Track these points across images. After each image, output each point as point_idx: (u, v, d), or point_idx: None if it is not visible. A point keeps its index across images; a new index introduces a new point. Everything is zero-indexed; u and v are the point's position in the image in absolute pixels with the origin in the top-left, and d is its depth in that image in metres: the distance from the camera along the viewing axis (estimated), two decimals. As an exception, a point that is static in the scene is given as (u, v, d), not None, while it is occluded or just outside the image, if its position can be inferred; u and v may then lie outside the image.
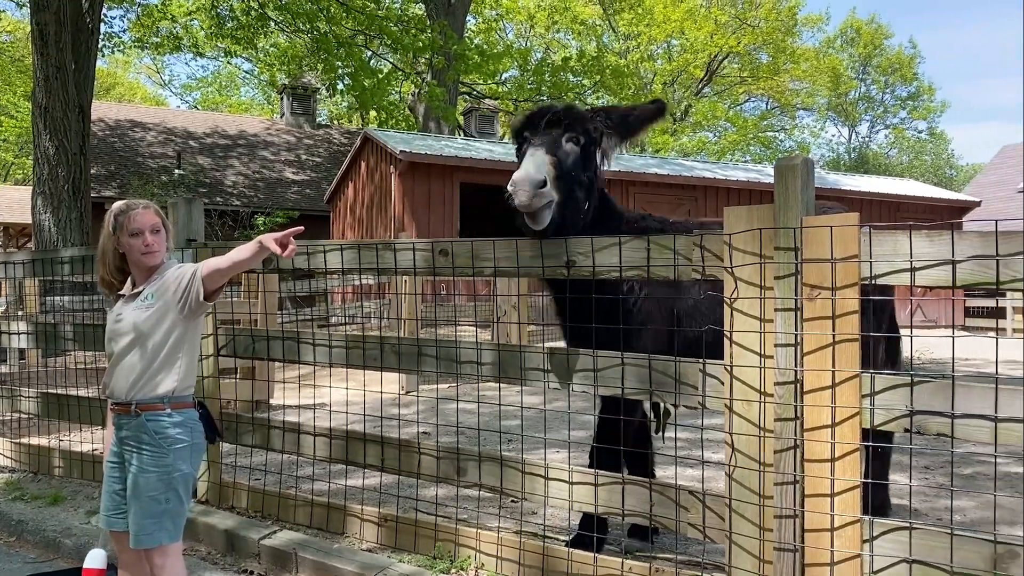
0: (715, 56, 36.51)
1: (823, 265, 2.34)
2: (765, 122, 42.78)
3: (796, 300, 2.39)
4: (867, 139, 50.16)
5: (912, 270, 2.23)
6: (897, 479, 4.71)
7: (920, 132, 49.16)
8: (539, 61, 29.56)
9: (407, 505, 3.85)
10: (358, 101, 21.91)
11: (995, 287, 2.10)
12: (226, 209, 20.01)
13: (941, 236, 2.18)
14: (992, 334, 17.56)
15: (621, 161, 18.36)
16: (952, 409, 2.17)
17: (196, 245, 4.22)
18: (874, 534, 2.31)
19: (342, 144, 26.21)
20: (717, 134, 41.70)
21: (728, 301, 2.55)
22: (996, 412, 2.11)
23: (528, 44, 35.65)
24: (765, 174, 18.50)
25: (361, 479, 4.02)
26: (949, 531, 2.20)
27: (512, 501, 3.99)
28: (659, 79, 36.89)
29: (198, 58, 30.21)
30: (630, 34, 35.82)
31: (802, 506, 2.39)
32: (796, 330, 2.38)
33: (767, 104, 43.36)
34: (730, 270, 2.54)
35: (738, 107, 41.94)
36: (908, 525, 2.27)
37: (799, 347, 2.38)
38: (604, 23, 36.72)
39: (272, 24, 20.60)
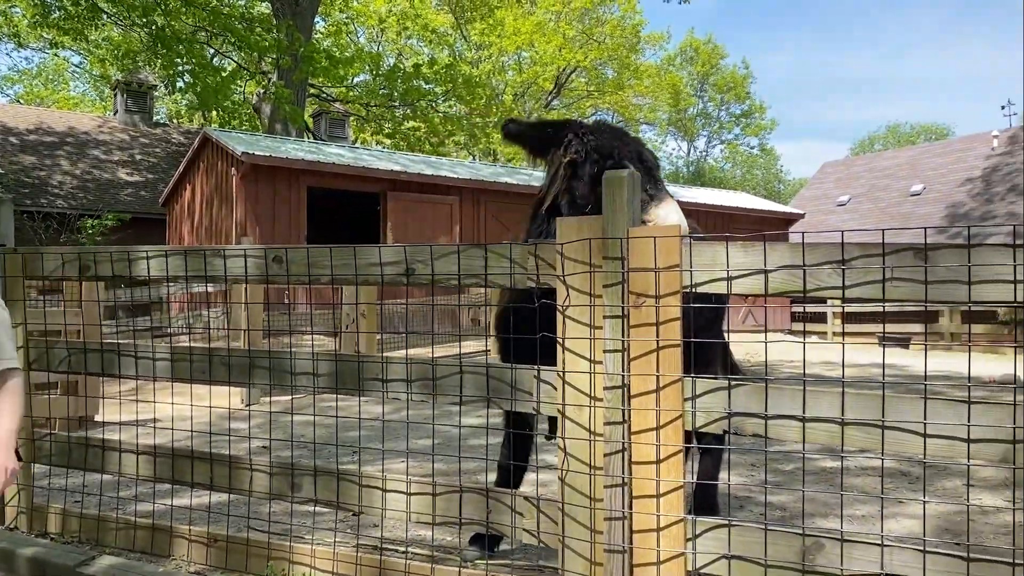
0: (563, 70, 37.47)
1: (648, 274, 2.42)
2: (611, 135, 44.24)
3: (623, 307, 2.46)
4: (704, 153, 52.97)
5: (728, 279, 2.34)
6: (723, 476, 4.95)
7: (752, 148, 52.48)
8: (391, 67, 29.33)
9: (240, 523, 3.68)
10: (199, 100, 20.96)
11: (803, 295, 2.24)
12: (51, 211, 18.63)
13: (754, 247, 2.31)
14: (815, 337, 18.91)
15: (472, 170, 18.51)
16: (765, 410, 2.29)
17: (5, 250, 3.88)
18: (697, 532, 2.41)
19: (181, 144, 24.99)
20: (566, 145, 42.71)
21: (561, 309, 2.59)
22: (804, 412, 2.25)
23: (380, 49, 35.32)
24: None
25: (189, 498, 3.82)
26: (763, 527, 2.33)
27: (353, 515, 3.90)
28: (510, 90, 37.48)
29: (20, 49, 28.00)
30: (482, 44, 36.20)
31: (630, 507, 2.46)
32: (623, 336, 2.45)
33: (612, 118, 44.91)
34: (562, 278, 2.59)
35: (585, 119, 43.21)
36: (727, 523, 2.38)
37: (626, 353, 2.45)
38: (456, 32, 36.94)
39: (104, 16, 19.37)
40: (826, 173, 32.36)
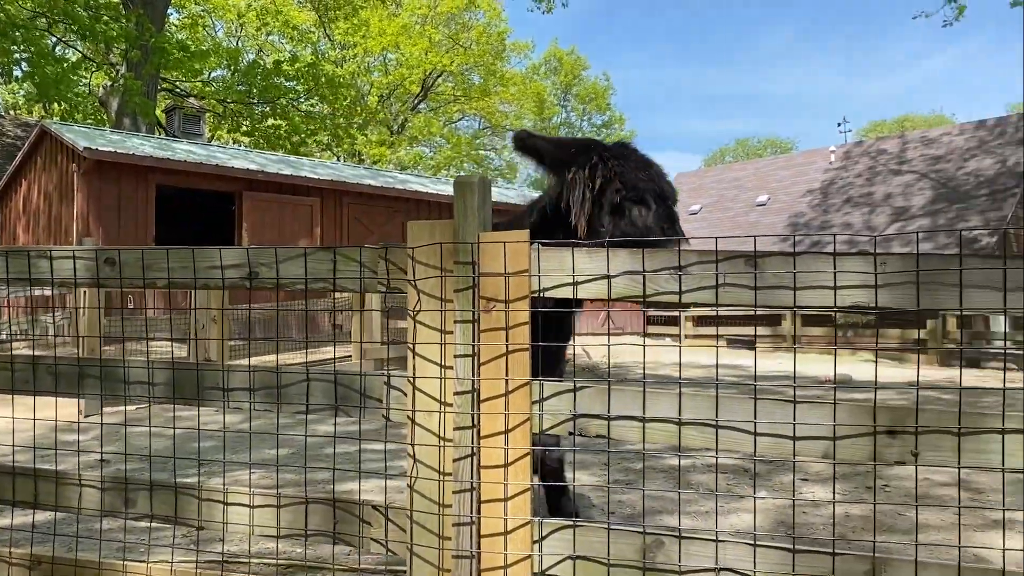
0: (430, 73, 37.40)
1: (498, 279, 2.43)
2: (478, 140, 44.61)
3: (474, 312, 2.46)
4: (568, 161, 54.07)
5: (575, 284, 2.38)
6: (579, 477, 5.06)
7: (613, 157, 53.95)
8: (250, 63, 28.37)
9: (69, 543, 3.44)
10: (38, 90, 19.57)
11: (643, 299, 2.30)
12: None
13: (599, 253, 2.36)
14: (669, 340, 19.66)
15: (333, 170, 18.15)
16: (608, 412, 2.35)
17: None
18: (543, 534, 2.43)
19: (17, 137, 23.24)
20: (433, 149, 42.76)
21: (412, 313, 2.56)
22: (644, 413, 2.31)
23: (239, 44, 34.12)
24: (474, 190, 19.26)
25: (11, 518, 3.53)
26: (606, 526, 2.38)
27: (195, 530, 3.72)
28: (376, 91, 37.06)
29: None
30: (346, 44, 35.62)
31: (478, 512, 2.45)
32: (474, 341, 2.45)
33: (479, 123, 45.24)
34: (413, 283, 2.56)
35: (452, 124, 43.32)
36: (572, 523, 2.42)
37: (476, 357, 2.45)
38: (319, 30, 36.18)
39: (-74, -5, 17.77)
40: (680, 183, 33.77)
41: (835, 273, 2.13)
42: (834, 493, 2.90)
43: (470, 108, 41.29)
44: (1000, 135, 24.66)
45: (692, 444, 2.29)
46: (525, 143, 3.20)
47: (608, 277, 2.34)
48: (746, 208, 29.12)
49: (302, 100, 28.43)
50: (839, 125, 61.88)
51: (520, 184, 41.86)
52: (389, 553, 2.67)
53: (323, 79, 27.38)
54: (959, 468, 2.09)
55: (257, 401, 2.80)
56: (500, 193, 21.62)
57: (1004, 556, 2.16)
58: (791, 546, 2.22)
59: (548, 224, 3.18)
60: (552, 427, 2.43)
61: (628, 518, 4.32)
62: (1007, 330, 15.47)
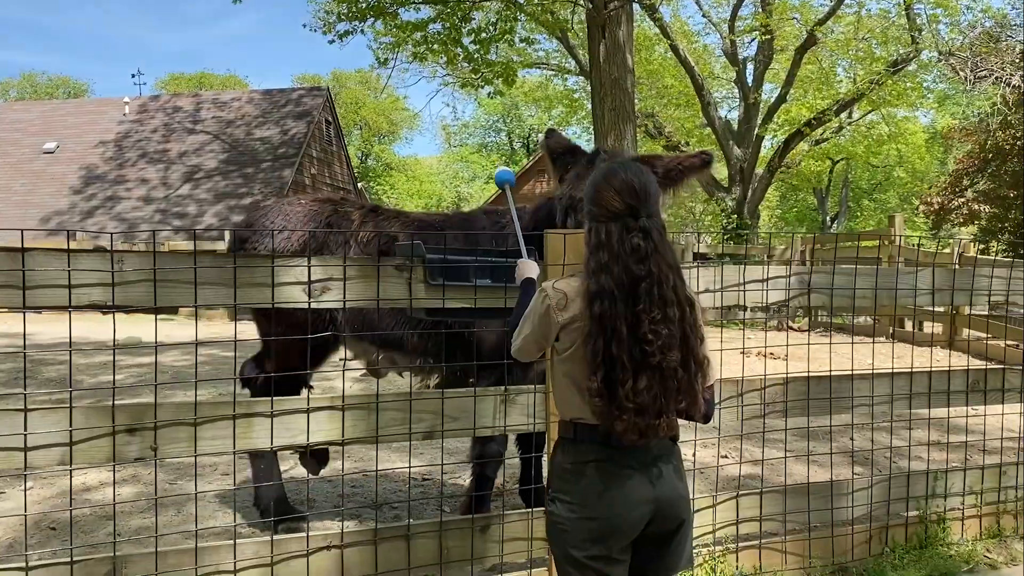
0: None
1: None
2: None
3: None
4: None
5: None
6: None
7: None
8: None
9: None
10: None
11: None
12: None
13: None
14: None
15: None
16: None
17: None
18: None
19: None
20: None
21: None
22: None
23: None
24: None
25: None
26: None
27: None
28: None
29: None
30: None
31: None
32: None
33: None
34: None
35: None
36: None
37: None
38: None
39: None
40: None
41: (69, 272, 2.02)
42: (115, 494, 2.82)
43: None
44: (285, 105, 26.98)
45: None
46: (548, 143, 3.66)
47: None
48: (32, 155, 26.25)
49: None
50: (134, 76, 60.25)
51: None
52: None
53: None
54: (195, 455, 2.21)
55: None
56: None
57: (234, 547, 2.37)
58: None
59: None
60: None
61: None
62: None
